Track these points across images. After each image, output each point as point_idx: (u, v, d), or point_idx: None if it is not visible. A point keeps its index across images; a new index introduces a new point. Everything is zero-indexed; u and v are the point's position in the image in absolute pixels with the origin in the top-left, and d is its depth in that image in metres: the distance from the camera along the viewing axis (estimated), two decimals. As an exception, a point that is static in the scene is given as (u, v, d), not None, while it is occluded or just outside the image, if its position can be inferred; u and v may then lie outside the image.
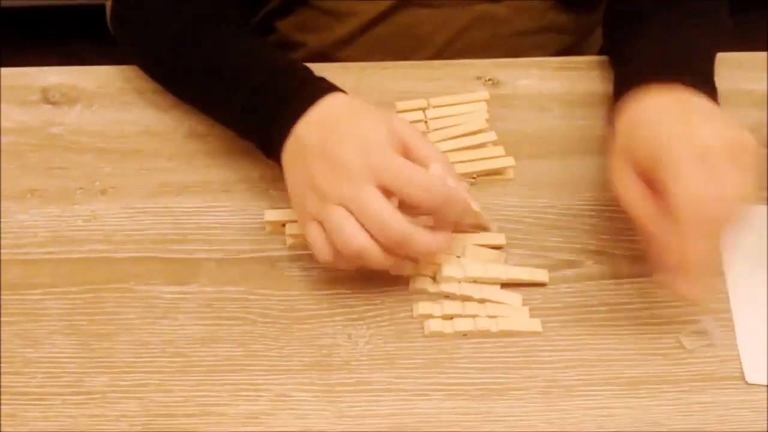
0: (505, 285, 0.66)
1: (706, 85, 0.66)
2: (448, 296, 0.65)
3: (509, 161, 0.72)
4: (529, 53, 0.82)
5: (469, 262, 0.66)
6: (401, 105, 0.75)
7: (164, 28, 0.72)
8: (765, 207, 0.71)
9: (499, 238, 0.67)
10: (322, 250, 0.61)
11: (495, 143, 0.73)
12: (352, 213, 0.59)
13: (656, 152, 0.59)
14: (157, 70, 0.75)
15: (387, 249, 0.60)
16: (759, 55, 0.81)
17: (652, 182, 0.60)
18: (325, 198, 0.60)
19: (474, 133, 0.73)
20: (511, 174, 0.72)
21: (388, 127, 0.61)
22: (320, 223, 0.60)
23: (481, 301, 0.65)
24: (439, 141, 0.72)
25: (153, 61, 0.75)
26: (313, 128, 0.62)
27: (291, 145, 0.63)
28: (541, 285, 0.66)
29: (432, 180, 0.60)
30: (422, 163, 0.61)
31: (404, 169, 0.60)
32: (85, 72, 0.78)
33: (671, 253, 0.59)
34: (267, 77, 0.67)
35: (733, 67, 0.80)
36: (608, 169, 0.63)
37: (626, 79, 0.67)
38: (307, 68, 0.68)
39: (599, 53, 0.82)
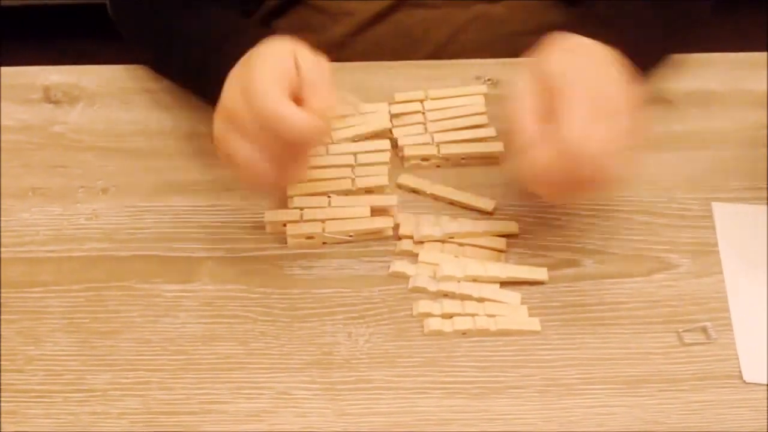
0: (505, 284, 0.66)
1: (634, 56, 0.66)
2: (447, 295, 0.65)
3: (498, 146, 0.72)
4: (528, 52, 0.82)
5: (468, 261, 0.66)
6: (399, 96, 0.76)
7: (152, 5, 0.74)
8: (765, 207, 0.71)
9: (511, 226, 0.68)
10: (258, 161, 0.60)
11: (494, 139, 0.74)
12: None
13: (556, 83, 0.61)
14: (142, 45, 0.76)
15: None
16: (758, 55, 0.81)
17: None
18: (217, 114, 0.61)
19: (473, 127, 0.74)
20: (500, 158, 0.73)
21: (282, 57, 0.61)
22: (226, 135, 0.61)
23: (480, 300, 0.65)
24: (437, 132, 0.73)
25: (138, 33, 0.76)
26: (239, 65, 0.63)
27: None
28: (541, 284, 0.66)
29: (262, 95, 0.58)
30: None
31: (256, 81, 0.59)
32: (86, 71, 0.79)
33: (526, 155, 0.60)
34: (213, 41, 0.68)
35: (733, 67, 0.80)
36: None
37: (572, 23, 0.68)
38: (252, 30, 0.68)
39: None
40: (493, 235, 0.68)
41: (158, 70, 0.77)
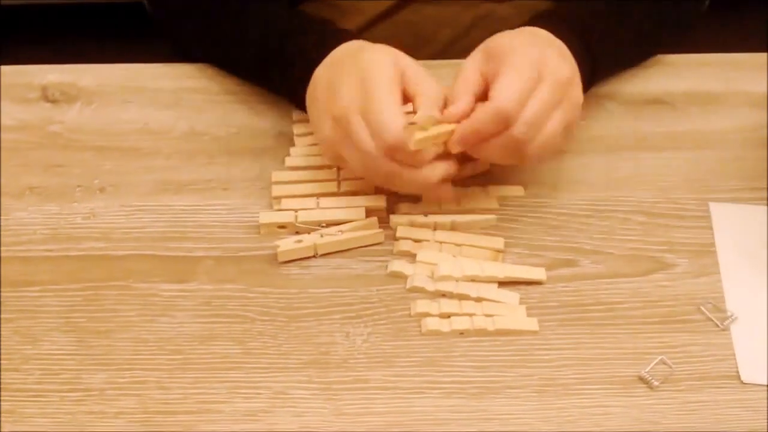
0: (503, 284, 0.66)
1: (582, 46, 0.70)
2: (445, 295, 0.65)
3: None
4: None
5: (466, 261, 0.66)
6: None
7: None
8: (762, 207, 0.71)
9: (497, 243, 0.68)
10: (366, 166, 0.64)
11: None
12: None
13: (502, 52, 0.65)
14: (198, 41, 0.78)
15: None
16: (757, 56, 0.81)
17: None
18: (333, 119, 0.64)
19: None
20: None
21: (389, 60, 0.65)
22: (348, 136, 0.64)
23: (478, 299, 0.65)
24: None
25: (193, 32, 0.78)
26: (325, 69, 0.67)
27: (309, 90, 0.68)
28: (538, 283, 0.66)
29: (389, 125, 0.62)
30: (411, 96, 0.65)
31: (377, 107, 0.62)
32: (84, 70, 0.79)
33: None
34: (291, 38, 0.71)
35: (731, 68, 0.80)
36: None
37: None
38: (327, 22, 0.73)
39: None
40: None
41: (223, 63, 0.78)
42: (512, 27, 0.84)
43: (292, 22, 0.73)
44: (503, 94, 0.62)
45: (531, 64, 0.63)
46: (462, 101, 0.64)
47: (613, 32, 0.74)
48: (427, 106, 0.64)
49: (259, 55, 0.73)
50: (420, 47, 0.83)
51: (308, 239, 0.67)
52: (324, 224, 0.68)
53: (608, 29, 0.74)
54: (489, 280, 0.66)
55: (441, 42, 0.85)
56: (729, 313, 0.65)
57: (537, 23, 0.70)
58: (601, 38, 0.72)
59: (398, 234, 0.68)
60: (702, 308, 0.65)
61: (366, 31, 0.84)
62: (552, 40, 0.68)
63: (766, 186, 0.72)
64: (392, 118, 0.62)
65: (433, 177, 0.64)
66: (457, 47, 0.84)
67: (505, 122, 0.62)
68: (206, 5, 0.76)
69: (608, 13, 0.75)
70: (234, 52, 0.76)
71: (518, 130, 0.63)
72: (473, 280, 0.66)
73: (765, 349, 0.63)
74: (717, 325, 0.64)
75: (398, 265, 0.66)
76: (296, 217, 0.68)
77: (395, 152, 0.63)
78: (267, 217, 0.68)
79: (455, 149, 0.64)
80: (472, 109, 0.64)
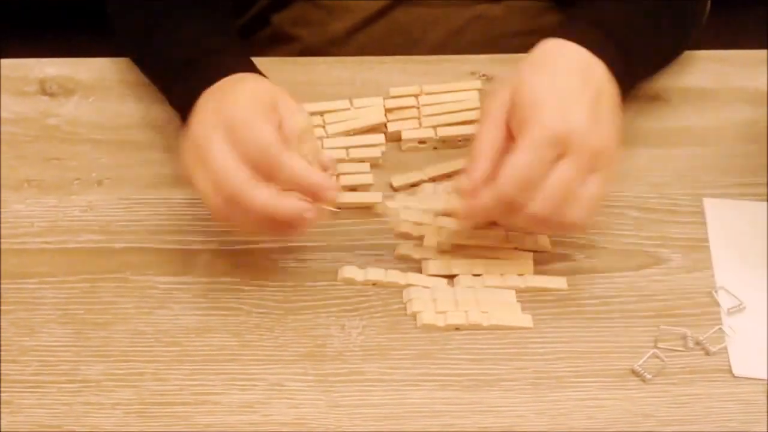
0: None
1: (607, 44, 0.65)
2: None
3: None
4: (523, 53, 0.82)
5: (485, 272, 0.66)
6: (394, 91, 0.76)
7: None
8: (755, 203, 0.72)
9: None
10: (208, 196, 0.61)
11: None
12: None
13: (523, 112, 0.60)
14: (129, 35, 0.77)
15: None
16: (751, 53, 0.81)
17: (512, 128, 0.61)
18: (189, 143, 0.61)
19: (468, 123, 0.74)
20: None
21: (267, 95, 0.61)
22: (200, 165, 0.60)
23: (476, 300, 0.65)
24: (432, 126, 0.74)
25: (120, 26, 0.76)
26: (211, 91, 0.64)
27: (193, 111, 0.64)
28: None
29: (269, 141, 0.59)
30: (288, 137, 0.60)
31: (252, 125, 0.59)
32: (82, 64, 0.79)
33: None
34: (200, 56, 0.68)
35: (726, 65, 0.81)
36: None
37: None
38: (244, 58, 0.68)
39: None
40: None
41: (137, 62, 0.77)
42: (503, 28, 0.84)
43: (198, 43, 0.70)
44: (509, 177, 0.58)
45: (552, 136, 0.59)
46: (477, 170, 0.61)
47: (649, 33, 0.72)
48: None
49: (160, 68, 0.72)
50: (411, 47, 0.84)
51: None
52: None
53: (644, 30, 0.72)
54: (509, 288, 0.66)
55: (433, 42, 0.85)
56: (739, 302, 0.65)
57: (570, 33, 0.64)
58: (638, 41, 0.70)
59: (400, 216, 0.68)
60: (713, 293, 0.65)
61: (357, 32, 0.85)
62: (590, 73, 0.62)
63: (759, 182, 0.73)
64: (263, 127, 0.59)
65: (307, 171, 0.60)
66: (448, 48, 0.84)
67: (509, 208, 0.59)
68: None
69: (643, 13, 0.72)
70: (143, 55, 0.75)
71: (533, 209, 0.59)
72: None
73: (757, 343, 0.64)
74: (725, 311, 0.65)
75: (406, 248, 0.67)
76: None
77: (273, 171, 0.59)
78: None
79: (464, 222, 0.63)
80: (494, 173, 0.60)
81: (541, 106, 0.60)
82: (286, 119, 0.61)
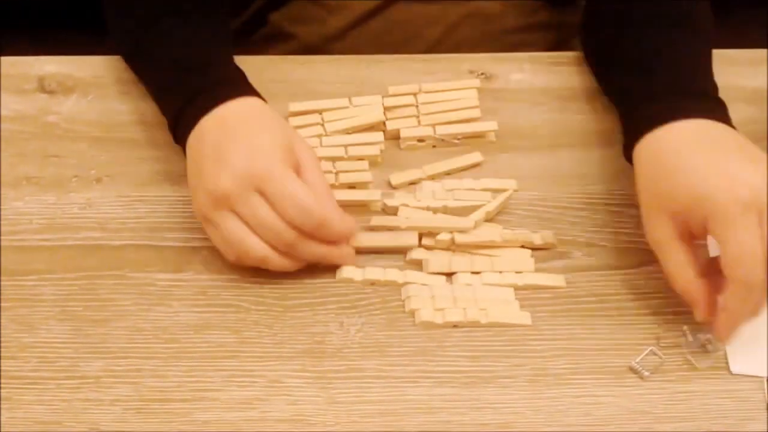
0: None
1: (717, 106, 0.66)
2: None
3: (492, 125, 0.74)
4: (520, 50, 0.83)
5: (484, 267, 0.66)
6: (393, 89, 0.76)
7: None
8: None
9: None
10: (226, 253, 0.64)
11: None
12: (240, 217, 0.62)
13: (699, 204, 0.59)
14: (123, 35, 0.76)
15: (282, 251, 0.63)
16: (752, 52, 0.82)
17: (688, 225, 0.60)
18: (211, 196, 0.62)
19: (466, 121, 0.74)
20: (492, 137, 0.74)
21: (285, 138, 0.63)
22: (215, 226, 0.63)
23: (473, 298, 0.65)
24: (430, 125, 0.74)
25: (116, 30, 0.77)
26: (216, 123, 0.65)
27: (193, 137, 0.65)
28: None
29: (310, 201, 0.61)
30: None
31: (286, 181, 0.61)
32: (81, 62, 0.79)
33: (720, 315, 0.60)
34: (191, 67, 0.69)
35: (725, 64, 0.80)
36: (644, 224, 0.63)
37: (637, 115, 0.66)
38: (234, 68, 0.70)
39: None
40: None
41: (131, 65, 0.77)
42: (499, 25, 0.85)
43: (198, 54, 0.71)
44: (738, 264, 0.57)
45: (743, 209, 0.57)
46: (699, 295, 0.61)
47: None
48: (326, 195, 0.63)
49: (158, 77, 0.72)
50: (407, 45, 0.84)
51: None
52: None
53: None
54: (508, 286, 0.66)
55: (429, 39, 0.85)
56: None
57: (688, 112, 0.62)
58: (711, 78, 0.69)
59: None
60: None
61: (354, 29, 0.85)
62: (707, 130, 0.62)
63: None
64: (310, 195, 0.61)
65: (349, 230, 0.64)
66: (444, 45, 0.84)
67: (757, 290, 0.58)
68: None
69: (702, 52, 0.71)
70: (135, 58, 0.75)
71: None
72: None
73: (754, 341, 0.64)
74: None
75: (417, 254, 0.67)
76: None
77: (321, 230, 0.62)
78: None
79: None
80: (709, 286, 0.61)
81: (711, 186, 0.58)
82: (302, 157, 0.64)
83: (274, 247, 0.63)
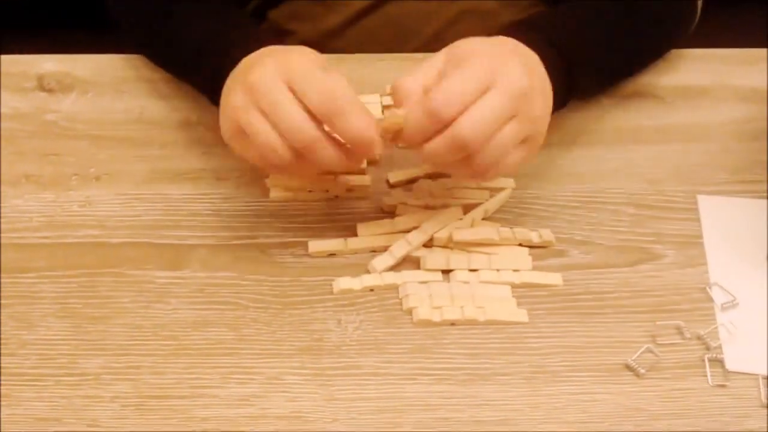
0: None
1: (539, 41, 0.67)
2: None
3: None
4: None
5: (482, 265, 0.67)
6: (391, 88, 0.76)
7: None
8: (749, 200, 0.72)
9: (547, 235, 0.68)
10: (255, 159, 0.62)
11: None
12: (265, 114, 0.60)
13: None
14: (136, 32, 0.78)
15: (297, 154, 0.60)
16: (745, 51, 0.82)
17: None
18: (240, 90, 0.60)
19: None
20: None
21: (317, 56, 0.63)
22: (244, 129, 0.61)
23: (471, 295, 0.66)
24: None
25: (133, 22, 0.77)
26: (242, 65, 0.65)
27: (225, 87, 0.65)
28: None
29: (334, 84, 0.59)
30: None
31: (314, 70, 0.59)
32: (80, 60, 0.79)
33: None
34: (218, 32, 0.70)
35: (722, 63, 0.81)
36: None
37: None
38: (255, 29, 0.71)
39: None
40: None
41: (153, 56, 0.77)
42: (495, 22, 0.85)
43: (220, 19, 0.72)
44: (437, 93, 0.59)
45: (483, 70, 0.60)
46: (409, 96, 0.61)
47: (597, 41, 0.73)
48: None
49: (185, 49, 0.72)
50: (404, 42, 0.84)
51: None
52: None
53: (591, 38, 0.72)
54: (504, 284, 0.66)
55: (425, 36, 0.85)
56: (732, 298, 0.66)
57: (510, 32, 0.66)
58: (582, 48, 0.71)
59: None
60: (707, 289, 0.66)
61: (351, 25, 0.85)
62: (520, 49, 0.65)
63: (753, 179, 0.74)
64: (337, 84, 0.59)
65: (370, 130, 0.59)
66: (440, 42, 0.84)
67: (437, 121, 0.59)
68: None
69: (590, 22, 0.73)
70: (162, 45, 0.76)
71: (457, 130, 0.58)
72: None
73: (750, 339, 0.64)
74: (718, 307, 0.65)
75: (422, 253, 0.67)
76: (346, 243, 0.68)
77: (343, 125, 0.59)
78: (317, 246, 0.68)
79: (403, 143, 0.62)
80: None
81: (477, 51, 0.61)
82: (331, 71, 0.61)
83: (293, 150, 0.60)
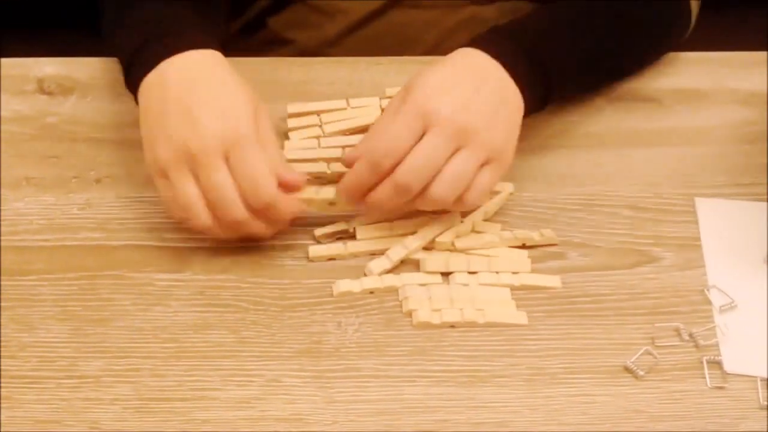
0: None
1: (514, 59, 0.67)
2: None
3: None
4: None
5: (480, 267, 0.67)
6: (390, 91, 0.77)
7: None
8: (746, 203, 0.73)
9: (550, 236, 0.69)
10: (171, 210, 0.64)
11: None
12: (198, 180, 0.62)
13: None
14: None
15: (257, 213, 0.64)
16: (743, 54, 0.83)
17: None
18: (177, 152, 0.62)
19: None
20: None
21: (252, 102, 0.64)
22: (171, 182, 0.63)
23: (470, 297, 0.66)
24: None
25: None
26: (180, 75, 0.64)
27: (154, 82, 0.65)
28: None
29: (267, 179, 0.62)
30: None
31: (254, 151, 0.62)
32: (80, 63, 0.80)
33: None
34: (159, 9, 0.69)
35: (720, 66, 0.82)
36: None
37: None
38: (201, 28, 0.68)
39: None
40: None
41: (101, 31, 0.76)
42: None
43: (170, 16, 0.69)
44: (365, 139, 0.64)
45: (414, 116, 0.62)
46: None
47: (578, 45, 0.72)
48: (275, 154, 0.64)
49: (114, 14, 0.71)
50: (405, 49, 0.84)
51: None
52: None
53: (571, 43, 0.72)
54: (503, 286, 0.66)
55: (426, 44, 0.85)
56: (730, 300, 0.66)
57: (482, 41, 0.67)
58: (560, 53, 0.70)
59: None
60: (705, 291, 0.66)
61: (352, 34, 0.85)
62: (476, 68, 0.66)
63: (751, 182, 0.74)
64: (267, 176, 0.62)
65: (293, 213, 0.65)
66: (441, 50, 0.84)
67: (377, 172, 0.62)
68: None
69: (571, 23, 0.73)
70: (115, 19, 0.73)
71: (398, 177, 0.62)
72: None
73: (748, 341, 0.64)
74: (716, 309, 0.66)
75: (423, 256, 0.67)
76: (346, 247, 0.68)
77: (267, 210, 0.63)
78: (317, 250, 0.68)
79: (345, 204, 0.65)
80: None
81: (431, 90, 0.63)
82: (261, 124, 0.64)
83: (217, 219, 0.63)
